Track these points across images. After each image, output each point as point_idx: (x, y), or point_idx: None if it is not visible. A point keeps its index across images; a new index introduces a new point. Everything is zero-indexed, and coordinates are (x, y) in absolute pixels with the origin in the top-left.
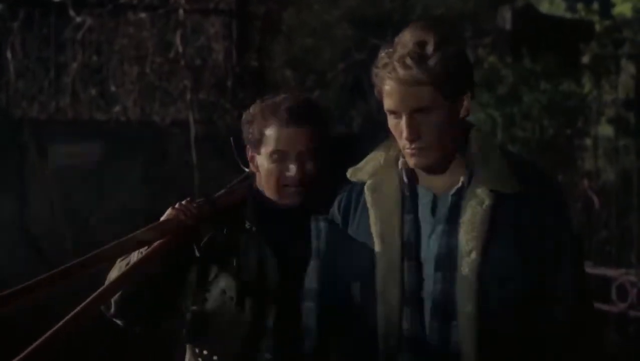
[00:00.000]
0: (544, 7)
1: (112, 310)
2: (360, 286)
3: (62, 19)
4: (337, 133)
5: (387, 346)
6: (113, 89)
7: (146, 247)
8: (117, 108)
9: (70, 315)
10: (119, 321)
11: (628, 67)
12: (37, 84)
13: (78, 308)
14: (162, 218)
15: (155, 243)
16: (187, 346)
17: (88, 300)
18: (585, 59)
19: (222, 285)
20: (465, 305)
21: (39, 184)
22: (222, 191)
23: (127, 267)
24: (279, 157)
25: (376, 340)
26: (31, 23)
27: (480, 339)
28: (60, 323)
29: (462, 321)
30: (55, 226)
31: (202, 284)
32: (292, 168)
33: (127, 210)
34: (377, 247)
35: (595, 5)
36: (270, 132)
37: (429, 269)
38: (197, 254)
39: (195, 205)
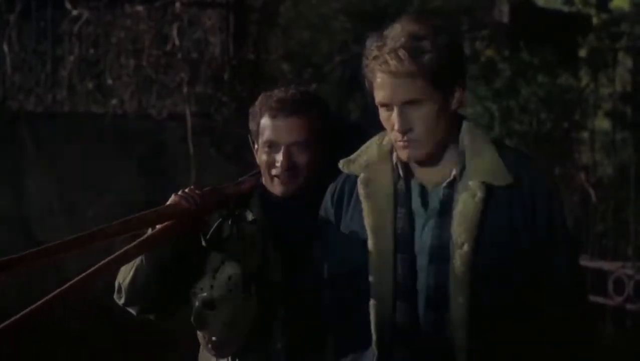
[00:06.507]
0: (541, 0)
1: (124, 298)
2: (353, 278)
3: (59, 11)
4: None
5: (381, 339)
6: (110, 82)
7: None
8: (113, 101)
9: (56, 291)
10: (131, 310)
11: (625, 61)
12: (34, 77)
13: (65, 286)
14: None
15: (156, 228)
16: (198, 333)
17: (80, 276)
18: (583, 52)
19: (228, 273)
20: (458, 297)
21: (35, 177)
22: (235, 182)
23: (123, 249)
24: (270, 148)
25: (370, 332)
26: (28, 16)
27: (473, 331)
28: (48, 297)
29: (455, 313)
30: (53, 219)
31: (210, 271)
32: (279, 159)
33: (124, 203)
34: (370, 240)
35: None
36: (263, 123)
37: (421, 262)
38: (203, 243)
39: (199, 193)
